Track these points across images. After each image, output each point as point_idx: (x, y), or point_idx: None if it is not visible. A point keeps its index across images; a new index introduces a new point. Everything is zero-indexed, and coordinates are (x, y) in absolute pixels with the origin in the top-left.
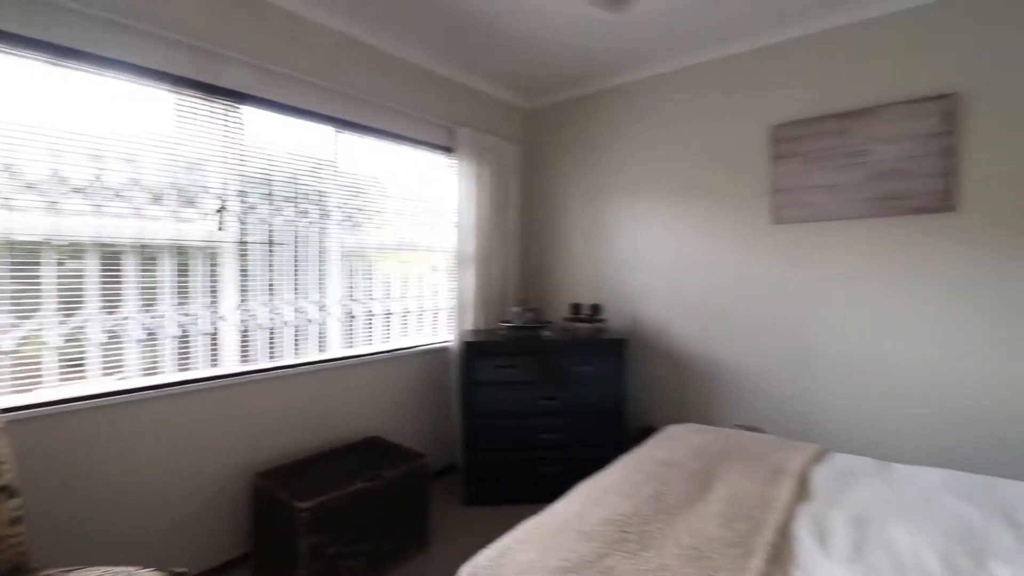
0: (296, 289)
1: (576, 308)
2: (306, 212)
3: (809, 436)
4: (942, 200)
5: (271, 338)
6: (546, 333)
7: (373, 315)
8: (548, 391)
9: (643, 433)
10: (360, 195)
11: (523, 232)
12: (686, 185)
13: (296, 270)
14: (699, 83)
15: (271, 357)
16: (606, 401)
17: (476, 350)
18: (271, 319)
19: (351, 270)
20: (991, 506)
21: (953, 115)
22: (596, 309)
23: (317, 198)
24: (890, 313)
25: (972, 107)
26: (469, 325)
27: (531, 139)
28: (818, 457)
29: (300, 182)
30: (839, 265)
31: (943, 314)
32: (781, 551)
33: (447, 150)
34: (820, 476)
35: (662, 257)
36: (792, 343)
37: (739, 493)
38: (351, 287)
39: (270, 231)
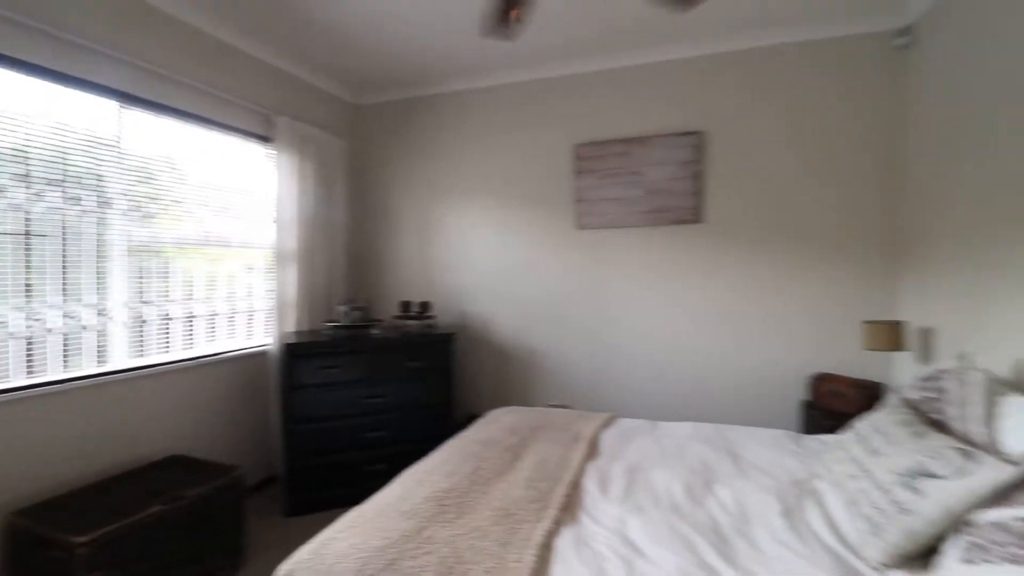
0: (65, 290)
1: (406, 306)
2: (79, 199)
3: (606, 406)
4: (693, 214)
5: (29, 350)
6: (374, 331)
7: (171, 319)
8: (376, 389)
9: (469, 421)
10: (152, 181)
11: (351, 229)
12: (508, 191)
13: (65, 267)
14: (520, 99)
15: (29, 373)
16: (435, 394)
17: (298, 352)
18: (29, 327)
19: (141, 268)
20: (721, 446)
21: (700, 148)
22: (425, 306)
23: (94, 182)
24: (661, 302)
25: (712, 143)
26: (291, 326)
27: (361, 135)
28: (607, 423)
29: (70, 163)
30: (625, 264)
31: (696, 301)
32: (572, 500)
33: (264, 139)
34: (607, 438)
35: (488, 256)
36: (593, 330)
37: (544, 459)
38: (141, 288)
39: (27, 220)
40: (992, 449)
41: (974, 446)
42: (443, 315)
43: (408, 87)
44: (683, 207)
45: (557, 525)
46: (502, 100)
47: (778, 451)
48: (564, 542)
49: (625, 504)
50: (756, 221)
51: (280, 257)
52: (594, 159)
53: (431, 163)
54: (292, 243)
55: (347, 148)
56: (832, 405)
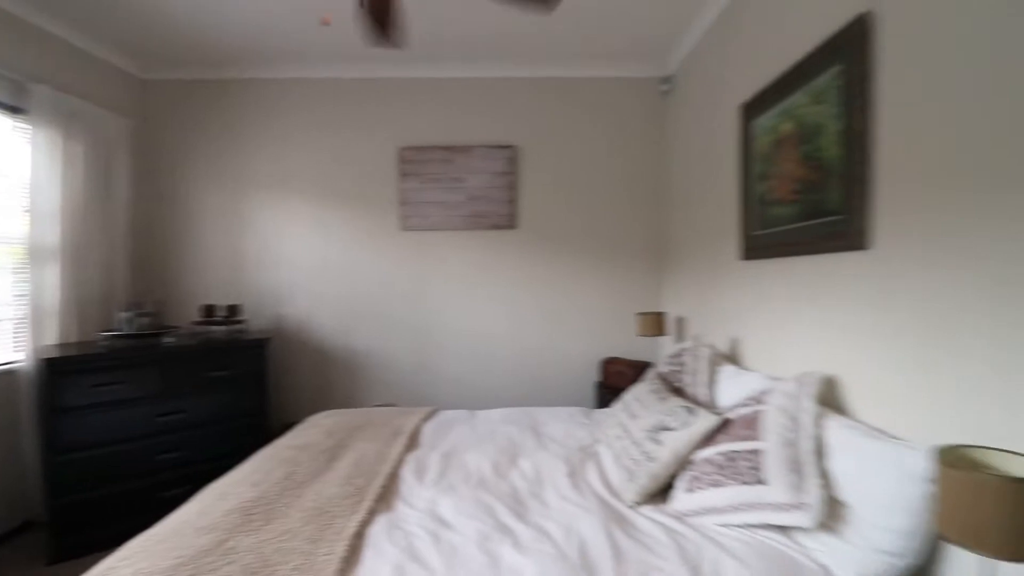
0: None
1: (209, 310)
2: None
3: (432, 401)
4: (508, 220)
5: None
6: (169, 340)
7: None
8: (172, 405)
9: (286, 429)
10: None
11: (138, 223)
12: (331, 189)
13: None
14: (344, 96)
15: None
16: (246, 404)
17: (61, 368)
18: None
19: None
20: (526, 425)
21: (515, 160)
22: (234, 310)
23: None
24: (481, 300)
25: (524, 157)
26: (52, 338)
27: (152, 115)
28: (429, 416)
29: None
30: (449, 265)
31: (512, 299)
32: (389, 490)
33: (14, 110)
34: (428, 430)
35: (307, 256)
36: (417, 328)
37: (363, 457)
38: None
39: None
40: (711, 406)
41: (699, 404)
42: (256, 318)
43: (216, 67)
44: (500, 213)
45: (371, 515)
46: (326, 94)
47: (572, 424)
48: (377, 529)
49: (439, 486)
50: (560, 228)
51: (35, 254)
52: (418, 163)
53: (243, 153)
54: (53, 238)
55: (132, 128)
56: (617, 383)
